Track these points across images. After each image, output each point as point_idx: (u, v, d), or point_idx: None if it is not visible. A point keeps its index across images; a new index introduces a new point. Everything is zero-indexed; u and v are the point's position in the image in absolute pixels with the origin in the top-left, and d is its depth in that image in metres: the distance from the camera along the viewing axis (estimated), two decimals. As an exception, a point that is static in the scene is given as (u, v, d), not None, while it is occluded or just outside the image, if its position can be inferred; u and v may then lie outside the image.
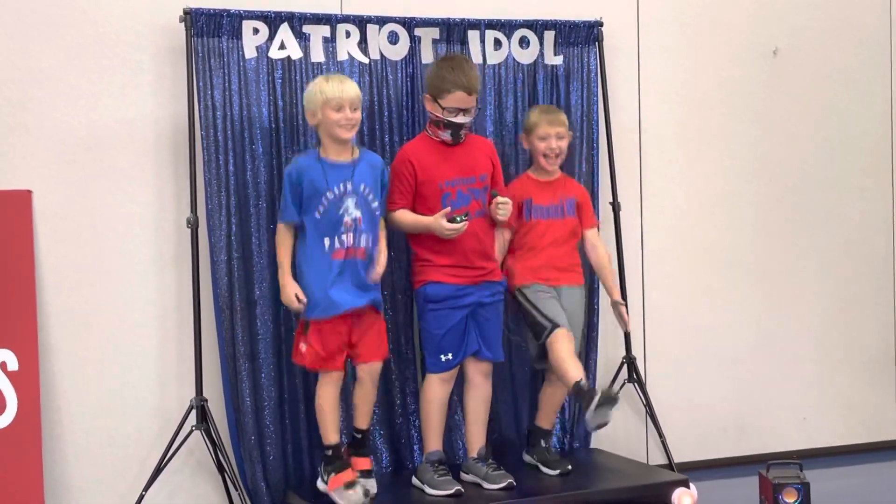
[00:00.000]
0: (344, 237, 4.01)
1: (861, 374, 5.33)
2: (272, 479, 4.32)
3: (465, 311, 4.19)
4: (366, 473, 4.10)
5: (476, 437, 4.28)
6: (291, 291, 4.02)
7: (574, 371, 4.14)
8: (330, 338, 4.00)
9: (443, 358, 4.17)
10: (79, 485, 4.23)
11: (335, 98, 3.98)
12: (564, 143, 4.46)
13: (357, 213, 4.02)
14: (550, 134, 4.40)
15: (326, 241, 4.00)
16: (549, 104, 4.65)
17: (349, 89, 4.03)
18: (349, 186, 4.01)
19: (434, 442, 4.22)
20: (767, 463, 4.41)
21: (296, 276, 4.06)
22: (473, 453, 4.26)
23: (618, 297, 4.51)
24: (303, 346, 4.04)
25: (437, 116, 4.19)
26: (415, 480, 4.24)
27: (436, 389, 4.21)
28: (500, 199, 4.21)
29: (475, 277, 4.21)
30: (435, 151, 4.23)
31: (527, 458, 4.51)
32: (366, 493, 3.98)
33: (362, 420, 4.16)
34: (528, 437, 4.55)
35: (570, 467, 4.34)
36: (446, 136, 4.20)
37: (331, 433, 4.06)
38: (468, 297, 4.19)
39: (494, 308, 4.28)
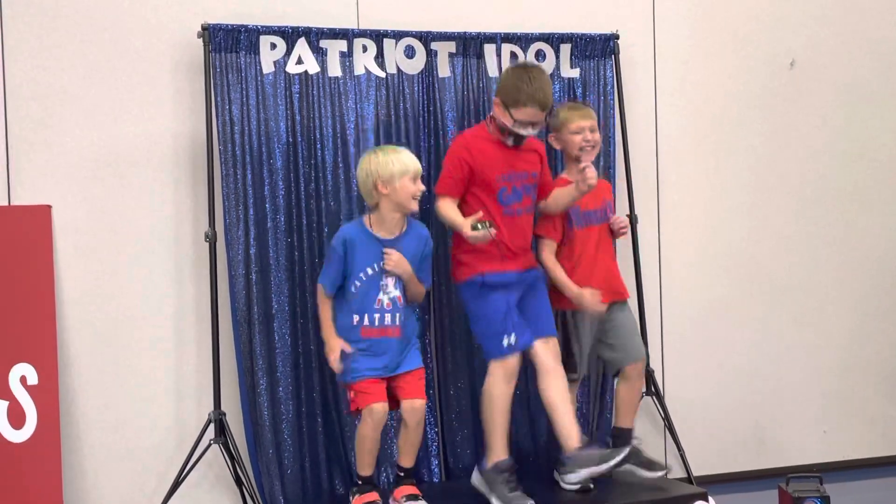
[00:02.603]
0: (376, 316, 4.00)
1: (882, 387, 5.30)
2: (290, 493, 4.32)
3: (516, 297, 4.12)
4: (412, 497, 4.05)
5: (571, 427, 4.03)
6: (336, 347, 4.00)
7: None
8: (367, 387, 3.98)
9: (505, 341, 4.02)
10: (98, 498, 4.24)
11: (415, 169, 4.02)
12: (598, 136, 4.42)
13: (396, 293, 4.03)
14: (584, 126, 4.36)
15: (356, 318, 4.01)
16: (576, 101, 4.62)
17: (419, 163, 4.07)
18: (383, 266, 4.01)
19: (501, 448, 4.03)
20: (787, 476, 4.39)
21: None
22: (574, 445, 4.00)
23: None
24: (351, 394, 4.04)
25: (504, 124, 4.13)
26: (478, 482, 4.11)
27: (498, 384, 4.02)
28: (584, 163, 4.10)
29: (521, 266, 4.17)
30: (493, 146, 4.17)
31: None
32: None
33: (406, 460, 4.12)
34: (614, 442, 4.45)
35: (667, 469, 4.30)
36: (508, 141, 4.17)
37: (366, 467, 4.07)
38: (518, 285, 4.14)
39: (540, 288, 4.20)
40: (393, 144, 4.26)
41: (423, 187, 4.06)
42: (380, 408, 3.97)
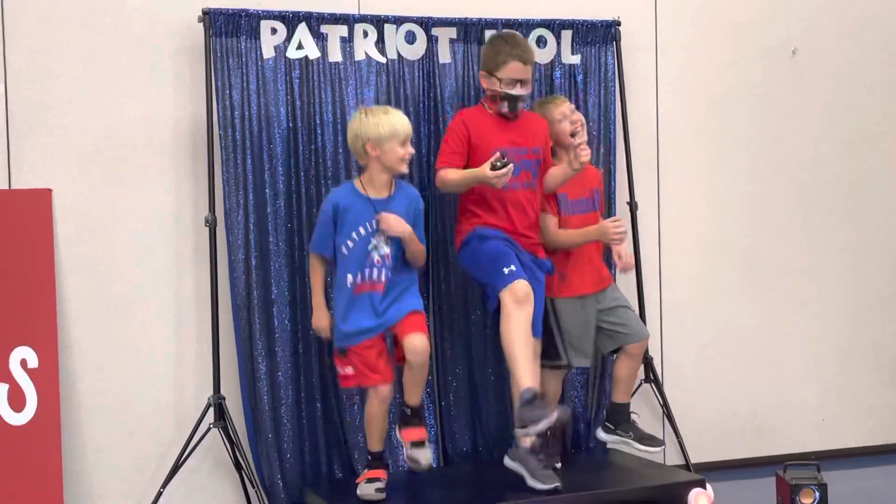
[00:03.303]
0: (367, 271, 4.02)
1: (881, 376, 5.30)
2: (289, 477, 4.34)
3: (514, 250, 4.13)
4: (418, 444, 4.07)
5: (527, 375, 3.96)
6: (321, 322, 4.10)
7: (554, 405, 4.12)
8: (368, 353, 4.01)
9: (505, 270, 4.02)
10: (97, 481, 4.26)
11: (405, 133, 4.03)
12: (579, 114, 4.48)
13: (386, 250, 4.04)
14: (565, 111, 4.41)
15: (349, 277, 4.03)
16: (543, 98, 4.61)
17: (408, 123, 4.08)
18: (375, 225, 4.02)
19: (526, 377, 3.93)
20: (785, 464, 4.39)
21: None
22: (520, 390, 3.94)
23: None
24: (348, 370, 4.05)
25: (493, 90, 4.20)
26: (510, 464, 4.13)
27: (511, 312, 3.96)
28: (577, 140, 4.17)
29: (522, 243, 4.19)
30: (490, 120, 4.24)
31: (609, 437, 4.48)
32: (379, 489, 4.01)
33: (412, 398, 4.10)
34: (611, 417, 4.49)
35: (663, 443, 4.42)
36: (503, 108, 4.21)
37: (376, 443, 4.12)
38: (518, 248, 4.16)
39: (537, 290, 4.17)
40: (387, 106, 4.24)
41: (412, 150, 4.08)
42: (384, 388, 4.02)
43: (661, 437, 4.56)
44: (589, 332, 4.40)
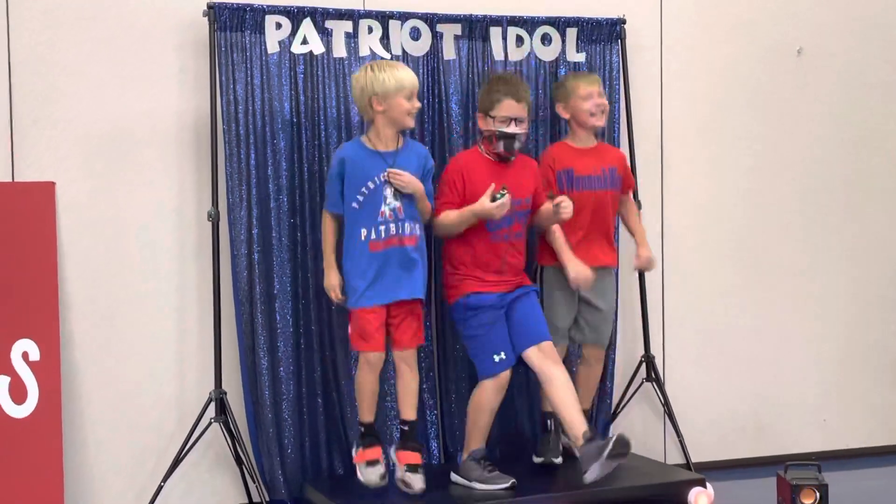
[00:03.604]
0: (381, 227, 4.00)
1: (882, 377, 5.30)
2: (290, 472, 4.34)
3: (503, 312, 4.18)
4: (412, 468, 4.07)
5: (577, 422, 4.04)
6: (332, 282, 4.08)
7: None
8: (367, 318, 4.01)
9: (496, 358, 4.12)
10: (98, 475, 4.26)
11: (411, 86, 4.01)
12: (605, 100, 4.50)
13: (396, 203, 4.02)
14: (593, 91, 4.42)
15: (363, 232, 4.01)
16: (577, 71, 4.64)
17: (416, 78, 4.08)
18: (386, 177, 4.01)
19: (478, 441, 4.18)
20: (785, 464, 4.39)
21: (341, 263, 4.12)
22: (579, 441, 4.01)
23: (644, 251, 4.55)
24: (350, 328, 4.08)
25: (489, 130, 4.19)
26: (457, 478, 4.21)
27: (490, 397, 4.14)
28: (559, 198, 4.15)
29: (510, 287, 4.23)
30: (486, 167, 4.22)
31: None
32: (382, 475, 4.02)
33: (406, 411, 4.13)
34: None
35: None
36: (500, 148, 4.19)
37: (365, 413, 4.11)
38: (504, 300, 4.20)
39: (529, 298, 4.25)
40: (393, 60, 4.25)
41: (418, 104, 4.08)
42: (375, 357, 4.02)
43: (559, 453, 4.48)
44: (571, 308, 4.41)
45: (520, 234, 4.28)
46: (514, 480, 4.08)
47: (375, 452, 4.08)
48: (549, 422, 4.49)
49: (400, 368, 4.12)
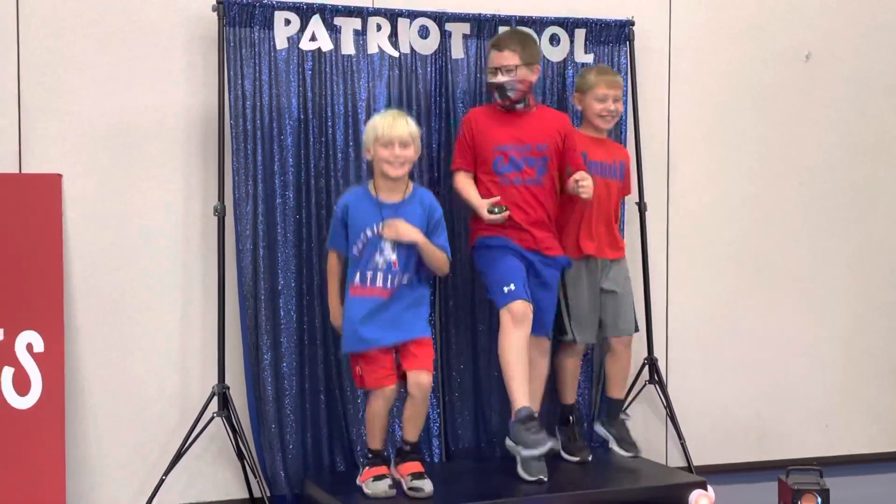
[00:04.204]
0: (368, 275, 4.01)
1: (886, 383, 5.29)
2: (291, 468, 4.34)
3: (524, 262, 4.21)
4: (417, 475, 4.05)
5: (521, 397, 4.09)
6: (336, 318, 4.16)
7: (570, 394, 4.53)
8: (374, 363, 4.00)
9: (505, 289, 4.12)
10: (100, 467, 4.26)
11: (384, 135, 4.01)
12: (620, 106, 4.52)
13: (392, 257, 4.02)
14: (609, 95, 4.45)
15: (357, 276, 4.04)
16: (604, 64, 4.67)
17: (399, 126, 4.02)
18: (378, 230, 4.02)
19: (519, 397, 4.07)
20: (787, 468, 4.38)
21: None
22: (514, 411, 4.10)
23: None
24: (357, 369, 4.06)
25: (488, 82, 4.33)
26: (508, 443, 4.20)
27: (508, 332, 4.09)
28: (577, 175, 4.19)
29: (528, 243, 4.24)
30: (495, 116, 4.33)
31: (600, 430, 4.59)
32: (391, 485, 4.01)
33: (411, 433, 4.14)
34: (604, 410, 4.61)
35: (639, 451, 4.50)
36: (496, 97, 4.30)
37: (376, 441, 4.11)
38: (525, 253, 4.22)
39: (546, 289, 4.27)
40: (395, 110, 4.23)
41: (398, 152, 4.00)
42: (390, 390, 4.01)
43: (639, 448, 4.53)
44: (595, 305, 4.43)
45: (534, 181, 4.27)
46: (551, 445, 4.06)
47: (381, 469, 4.08)
48: (570, 417, 4.51)
49: (412, 395, 4.04)
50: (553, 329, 4.39)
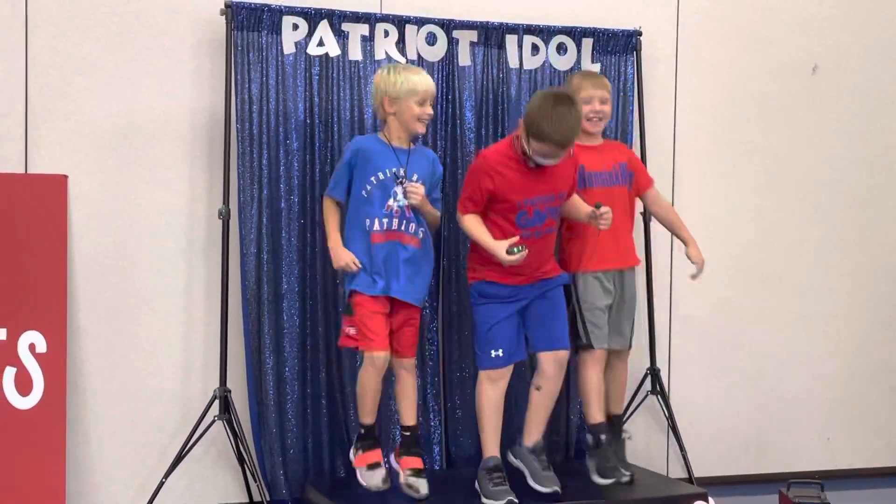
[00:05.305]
0: (385, 220, 4.00)
1: (888, 397, 5.28)
2: (291, 473, 4.34)
3: (517, 307, 4.11)
4: (416, 472, 4.06)
5: (535, 427, 4.15)
6: (345, 256, 4.00)
7: (596, 412, 4.30)
8: (375, 317, 3.98)
9: (492, 353, 4.08)
10: (101, 468, 4.26)
11: (424, 92, 4.01)
12: (608, 108, 4.40)
13: (405, 202, 4.02)
14: (594, 97, 4.35)
15: (367, 222, 4.01)
16: (590, 70, 4.62)
17: (433, 84, 4.08)
18: (402, 172, 4.02)
19: (490, 447, 4.11)
20: (788, 481, 4.38)
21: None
22: (529, 443, 4.14)
23: (694, 249, 4.41)
24: (350, 330, 4.03)
25: (524, 147, 3.99)
26: (513, 459, 4.20)
27: (486, 390, 4.11)
28: (604, 208, 4.02)
29: (531, 279, 4.13)
30: (515, 169, 4.03)
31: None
32: (385, 479, 4.02)
33: (407, 416, 4.13)
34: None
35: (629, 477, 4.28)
36: (531, 164, 4.03)
37: (367, 415, 4.07)
38: (521, 296, 4.12)
39: (554, 298, 4.16)
40: (414, 65, 4.25)
41: (430, 111, 4.05)
42: (381, 355, 3.97)
43: (624, 474, 4.27)
44: (615, 312, 4.34)
45: (551, 230, 4.17)
46: (512, 499, 3.96)
47: (376, 455, 4.07)
48: (601, 437, 4.29)
49: (399, 374, 4.12)
50: (571, 339, 4.26)
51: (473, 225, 4.07)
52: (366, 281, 3.99)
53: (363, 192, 4.01)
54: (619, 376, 4.49)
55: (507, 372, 4.13)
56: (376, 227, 4.00)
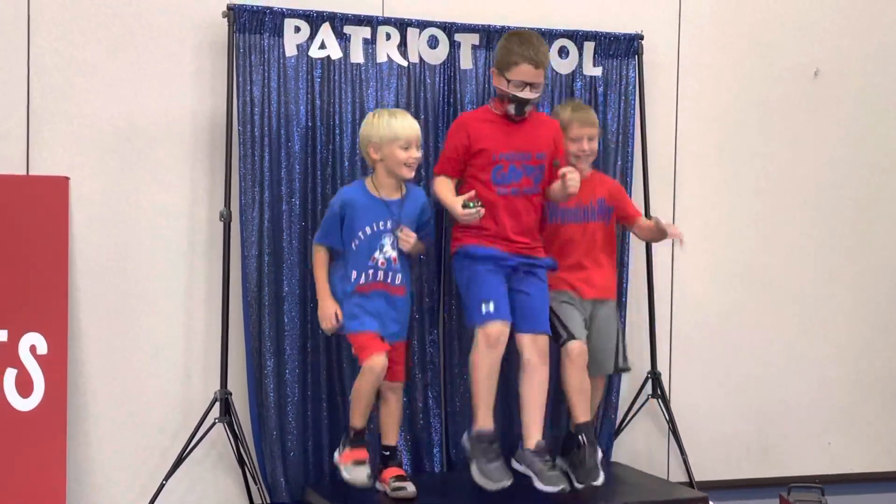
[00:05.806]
0: (370, 272, 4.04)
1: (889, 402, 5.28)
2: (292, 476, 4.34)
3: (504, 273, 4.05)
4: (399, 478, 4.07)
5: (532, 426, 4.04)
6: (330, 308, 4.04)
7: (581, 411, 4.16)
8: (372, 341, 4.01)
9: (483, 308, 3.96)
10: (101, 470, 4.26)
11: (406, 137, 4.02)
12: (595, 145, 4.41)
13: (392, 253, 4.05)
14: (582, 136, 4.35)
15: (353, 274, 4.04)
16: (580, 101, 4.59)
17: (416, 128, 4.08)
18: (389, 225, 4.05)
19: (482, 418, 3.99)
20: (789, 486, 4.38)
21: None
22: (530, 445, 4.02)
23: (670, 227, 4.32)
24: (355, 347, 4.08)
25: (502, 90, 4.10)
26: (517, 465, 4.08)
27: (481, 353, 3.96)
28: (564, 168, 4.03)
29: (514, 248, 4.10)
30: (494, 123, 4.13)
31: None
32: (369, 475, 4.03)
33: (391, 437, 4.18)
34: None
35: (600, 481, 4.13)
36: (510, 109, 4.11)
37: (359, 418, 4.08)
38: (507, 261, 4.07)
39: (536, 282, 4.12)
40: (398, 109, 4.26)
41: (416, 155, 4.06)
42: (379, 362, 3.96)
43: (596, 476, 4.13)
44: (577, 319, 4.26)
45: (531, 190, 4.15)
46: (566, 486, 3.90)
47: (362, 453, 4.08)
48: (580, 437, 4.17)
49: (386, 395, 4.15)
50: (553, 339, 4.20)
51: (439, 184, 4.14)
52: (357, 322, 4.03)
53: (352, 245, 4.04)
54: (594, 398, 4.40)
55: (502, 335, 3.98)
56: (362, 280, 4.04)
